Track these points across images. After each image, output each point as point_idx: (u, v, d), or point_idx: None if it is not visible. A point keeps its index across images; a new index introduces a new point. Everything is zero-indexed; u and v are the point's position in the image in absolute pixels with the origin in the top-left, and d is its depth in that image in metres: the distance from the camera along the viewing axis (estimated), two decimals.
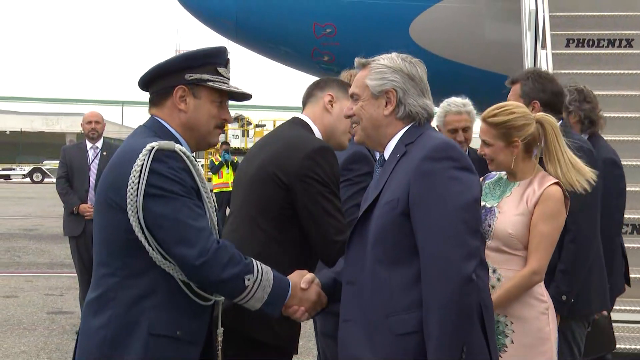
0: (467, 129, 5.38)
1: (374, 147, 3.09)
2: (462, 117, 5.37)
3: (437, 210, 2.65)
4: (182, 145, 2.85)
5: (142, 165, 2.70)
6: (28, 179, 49.97)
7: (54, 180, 36.05)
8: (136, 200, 2.70)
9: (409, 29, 13.01)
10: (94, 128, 8.44)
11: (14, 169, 52.81)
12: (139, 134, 2.91)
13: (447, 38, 12.90)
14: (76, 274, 8.53)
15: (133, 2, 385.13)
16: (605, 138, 5.33)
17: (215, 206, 2.98)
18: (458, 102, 5.42)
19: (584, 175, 3.54)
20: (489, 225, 3.56)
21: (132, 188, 2.70)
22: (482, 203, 3.59)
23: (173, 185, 2.72)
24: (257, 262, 2.88)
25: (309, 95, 3.65)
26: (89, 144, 8.44)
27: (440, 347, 2.56)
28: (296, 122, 3.57)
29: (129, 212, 2.71)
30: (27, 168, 52.20)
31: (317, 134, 3.53)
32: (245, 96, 3.09)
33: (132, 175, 2.70)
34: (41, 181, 48.57)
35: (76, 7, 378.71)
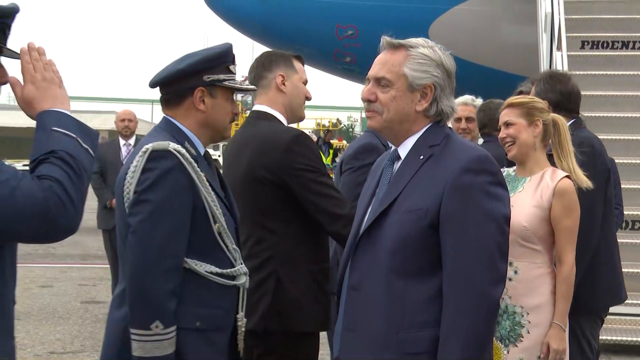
0: (470, 119, 5.46)
1: (390, 138, 2.72)
2: (467, 108, 5.48)
3: (472, 229, 2.40)
4: (193, 143, 2.82)
5: (137, 166, 2.65)
6: None
7: None
8: (129, 199, 2.67)
9: (428, 31, 12.95)
10: (127, 126, 8.48)
11: None
12: (154, 135, 2.83)
13: (465, 40, 12.83)
14: (109, 265, 8.59)
15: (162, 4, 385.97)
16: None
17: (230, 204, 2.90)
18: (467, 97, 5.57)
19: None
20: None
21: (127, 187, 2.68)
22: None
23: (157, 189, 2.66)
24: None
25: (259, 77, 3.54)
26: (122, 141, 8.48)
27: None
28: (259, 116, 3.51)
29: (127, 209, 2.68)
30: None
31: (281, 117, 3.49)
32: (254, 90, 3.23)
33: (128, 175, 2.67)
34: None
35: (107, 9, 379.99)
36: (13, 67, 2.23)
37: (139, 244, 2.60)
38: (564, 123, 3.69)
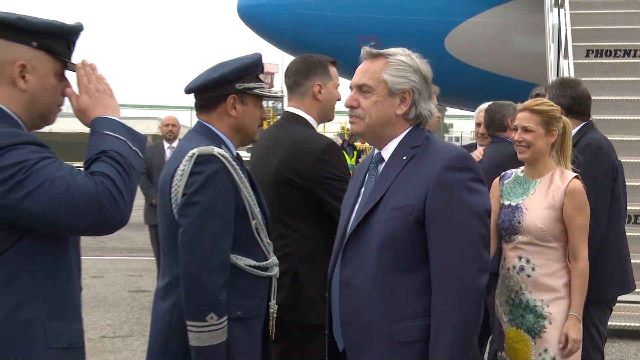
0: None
1: (373, 142, 2.64)
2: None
3: (457, 223, 2.36)
4: (227, 146, 2.82)
5: (184, 170, 2.65)
6: None
7: None
8: (178, 201, 2.66)
9: (444, 42, 12.94)
10: (170, 130, 8.51)
11: None
12: (191, 139, 2.85)
13: (478, 49, 12.80)
14: (154, 258, 8.60)
15: (200, 21, 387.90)
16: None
17: (260, 201, 2.88)
18: (487, 104, 5.41)
19: None
20: (519, 222, 3.44)
21: (175, 189, 2.67)
22: (507, 202, 3.54)
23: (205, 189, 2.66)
24: None
25: (296, 84, 3.47)
26: (166, 144, 8.50)
27: (452, 359, 2.30)
28: (292, 119, 3.45)
29: (175, 212, 2.68)
30: None
31: (312, 122, 3.45)
32: (281, 98, 3.10)
33: (175, 177, 2.67)
34: None
35: (147, 26, 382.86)
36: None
37: (190, 243, 2.60)
38: (570, 127, 3.63)
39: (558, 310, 3.39)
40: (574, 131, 4.12)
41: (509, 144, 4.68)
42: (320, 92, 3.44)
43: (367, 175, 2.61)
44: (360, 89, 2.54)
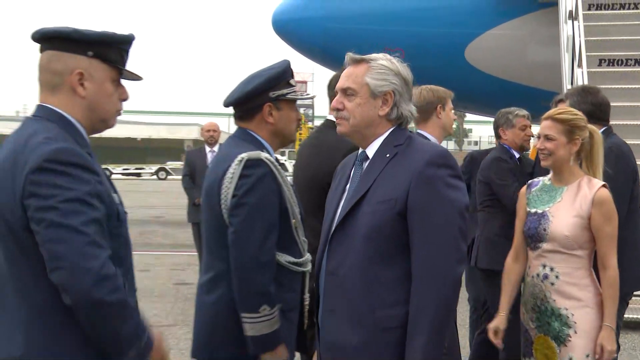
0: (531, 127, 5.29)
1: (358, 142, 2.61)
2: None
3: (437, 216, 2.35)
4: (268, 150, 2.84)
5: (234, 173, 2.69)
6: (155, 177, 50.79)
7: (176, 177, 36.03)
8: (227, 203, 2.69)
9: (464, 52, 12.88)
10: (211, 135, 8.56)
11: (144, 169, 53.67)
12: (233, 144, 2.88)
13: (497, 60, 12.69)
14: (196, 253, 8.64)
15: (234, 34, 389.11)
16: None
17: (297, 202, 2.90)
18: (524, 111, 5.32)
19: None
20: (544, 230, 3.29)
21: (225, 192, 2.70)
22: (533, 209, 3.39)
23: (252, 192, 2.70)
24: None
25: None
26: (207, 148, 8.55)
27: (429, 343, 2.29)
28: (331, 126, 3.40)
29: (224, 212, 2.71)
30: (154, 168, 52.90)
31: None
32: (312, 98, 3.15)
33: (225, 180, 2.70)
34: (165, 178, 49.27)
35: (190, 40, 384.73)
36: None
37: (240, 241, 2.64)
38: (600, 137, 3.42)
39: (583, 320, 3.23)
40: None
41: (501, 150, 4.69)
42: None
43: (352, 172, 2.60)
44: (345, 92, 2.53)
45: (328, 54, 13.32)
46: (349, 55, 2.58)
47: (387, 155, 2.48)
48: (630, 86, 8.75)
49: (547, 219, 3.31)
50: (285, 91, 2.88)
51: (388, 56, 2.57)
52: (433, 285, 2.32)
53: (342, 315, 2.44)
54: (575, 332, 3.22)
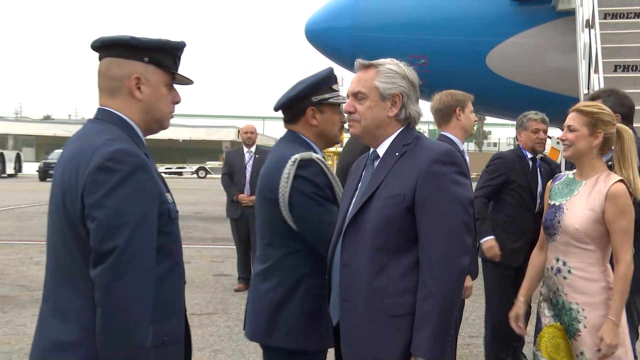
0: (545, 131, 5.21)
1: (369, 142, 2.62)
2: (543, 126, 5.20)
3: (443, 210, 2.34)
4: (314, 150, 2.89)
5: (289, 173, 2.75)
6: (195, 175, 51.15)
7: (215, 176, 36.39)
8: (285, 199, 2.75)
9: (485, 59, 12.81)
10: (249, 137, 8.57)
11: (185, 168, 54.13)
12: (284, 145, 2.94)
13: (517, 66, 12.60)
14: (234, 246, 8.69)
15: (268, 41, 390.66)
16: None
17: None
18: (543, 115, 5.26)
19: None
20: (559, 222, 3.16)
21: (282, 189, 2.75)
22: (552, 202, 3.26)
23: (312, 188, 2.76)
24: None
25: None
26: (245, 149, 8.55)
27: (435, 333, 2.28)
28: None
29: (281, 207, 2.76)
30: (194, 167, 53.38)
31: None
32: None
33: (282, 179, 2.76)
34: (204, 177, 49.60)
35: (224, 52, 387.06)
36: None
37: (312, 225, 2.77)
38: (632, 136, 3.20)
39: (594, 316, 3.07)
40: None
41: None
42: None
43: (364, 170, 2.61)
44: (356, 96, 2.54)
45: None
46: (358, 62, 2.58)
47: (397, 154, 2.48)
48: None
49: (562, 212, 3.18)
50: (327, 95, 2.93)
51: (395, 60, 2.57)
52: (438, 277, 2.30)
53: (355, 305, 2.43)
54: (585, 327, 3.08)
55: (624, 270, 3.05)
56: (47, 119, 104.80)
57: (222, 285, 8.58)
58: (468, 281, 3.63)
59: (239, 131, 9.05)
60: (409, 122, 2.56)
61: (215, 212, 17.73)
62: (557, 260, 3.18)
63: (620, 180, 3.10)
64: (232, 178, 8.48)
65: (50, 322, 2.05)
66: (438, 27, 13.13)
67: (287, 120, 3.00)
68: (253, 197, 8.27)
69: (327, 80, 2.95)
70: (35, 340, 2.09)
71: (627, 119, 3.97)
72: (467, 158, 4.24)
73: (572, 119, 3.21)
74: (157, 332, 2.03)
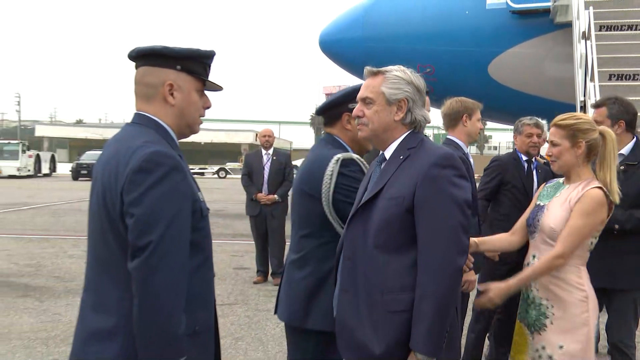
0: (539, 135, 5.13)
1: (377, 145, 2.58)
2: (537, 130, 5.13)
3: (440, 212, 2.28)
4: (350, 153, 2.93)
5: (332, 171, 2.79)
6: (216, 176, 51.24)
7: (234, 176, 36.30)
8: (329, 195, 2.79)
9: (487, 69, 12.79)
10: (267, 140, 8.58)
11: (207, 168, 54.26)
12: (323, 146, 2.99)
13: (517, 75, 12.61)
14: (253, 242, 8.69)
15: (285, 52, 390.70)
16: None
17: None
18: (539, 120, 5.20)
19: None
20: (538, 221, 3.06)
21: (325, 186, 2.79)
22: (538, 202, 3.15)
23: (352, 182, 2.79)
24: None
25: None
26: (263, 151, 8.55)
27: (431, 330, 2.23)
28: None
29: (323, 202, 2.79)
30: (215, 168, 53.50)
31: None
32: None
33: (325, 176, 2.79)
34: (225, 177, 49.63)
35: (242, 60, 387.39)
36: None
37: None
38: (614, 139, 3.06)
39: (562, 314, 2.92)
40: (632, 143, 3.90)
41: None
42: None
43: (373, 172, 2.58)
44: (364, 101, 2.51)
45: None
46: (367, 69, 2.55)
47: (401, 157, 2.44)
48: (636, 98, 8.56)
49: (542, 211, 3.08)
50: None
51: (402, 67, 2.53)
52: (435, 276, 2.25)
53: (354, 296, 2.40)
54: (552, 323, 2.94)
55: (551, 257, 2.92)
56: (79, 122, 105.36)
57: (241, 278, 8.59)
58: (472, 275, 3.63)
59: (256, 134, 9.04)
60: (415, 126, 2.51)
61: (235, 209, 17.75)
62: (534, 257, 3.07)
63: (599, 188, 2.96)
64: (251, 178, 8.49)
65: (90, 312, 2.07)
66: (443, 38, 13.13)
67: (325, 123, 3.08)
68: (271, 196, 8.31)
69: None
70: (77, 329, 2.12)
71: (631, 126, 3.89)
72: (472, 160, 4.24)
73: (552, 134, 3.10)
74: (189, 322, 2.03)
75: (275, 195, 8.33)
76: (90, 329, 2.03)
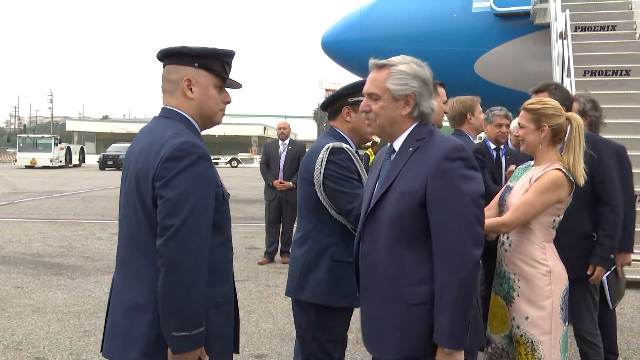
0: (508, 125, 5.02)
1: (385, 138, 2.36)
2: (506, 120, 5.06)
3: (453, 204, 2.09)
4: (350, 144, 2.93)
5: (322, 158, 2.81)
6: (228, 165, 51.23)
7: (245, 165, 36.41)
8: (320, 180, 2.80)
9: (473, 66, 12.76)
10: (282, 132, 8.55)
11: (220, 159, 54.24)
12: (324, 137, 2.99)
13: (500, 71, 12.58)
14: (263, 224, 8.66)
15: (290, 51, 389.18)
16: (611, 137, 5.10)
17: None
18: (505, 110, 5.06)
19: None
20: (504, 200, 2.97)
21: (317, 171, 2.81)
22: (508, 183, 3.04)
23: (340, 170, 2.80)
24: None
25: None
26: (280, 142, 8.53)
27: (453, 321, 2.06)
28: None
29: (316, 186, 2.81)
30: (228, 157, 53.52)
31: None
32: None
33: (317, 163, 2.81)
34: (236, 166, 49.66)
35: (252, 58, 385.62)
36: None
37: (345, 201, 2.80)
38: (581, 124, 2.93)
39: (525, 287, 2.85)
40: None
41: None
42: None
43: (383, 164, 2.37)
44: (371, 96, 2.30)
45: (365, 68, 13.19)
46: (372, 61, 2.33)
47: (410, 149, 2.23)
48: (608, 92, 8.60)
49: (509, 191, 3.00)
50: (361, 98, 2.89)
51: (407, 59, 2.30)
52: (453, 268, 2.06)
53: (375, 292, 2.24)
54: (519, 296, 2.86)
55: (498, 223, 2.84)
56: (105, 118, 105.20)
57: (253, 257, 8.59)
58: None
59: (264, 127, 9.00)
60: (423, 117, 2.30)
61: (246, 195, 17.79)
62: (504, 235, 2.96)
63: (559, 169, 2.85)
64: (268, 166, 8.49)
65: (123, 287, 2.10)
66: (433, 39, 13.08)
67: (328, 117, 3.06)
68: (286, 183, 8.29)
69: (362, 86, 2.97)
70: (114, 303, 2.14)
71: (597, 123, 3.99)
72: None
73: (521, 116, 3.01)
74: (213, 295, 2.05)
75: (290, 182, 8.28)
76: (125, 302, 2.06)
